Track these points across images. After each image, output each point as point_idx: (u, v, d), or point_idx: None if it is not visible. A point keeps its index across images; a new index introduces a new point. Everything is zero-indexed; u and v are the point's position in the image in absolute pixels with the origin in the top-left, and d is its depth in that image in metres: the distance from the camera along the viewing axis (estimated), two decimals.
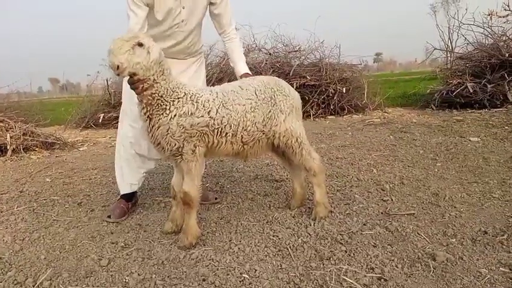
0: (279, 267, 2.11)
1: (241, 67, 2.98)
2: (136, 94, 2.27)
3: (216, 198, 3.23)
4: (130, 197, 3.09)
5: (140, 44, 2.15)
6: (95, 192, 3.72)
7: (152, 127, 2.30)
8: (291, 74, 8.08)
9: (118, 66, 2.08)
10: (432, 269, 2.00)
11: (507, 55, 7.29)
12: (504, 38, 7.87)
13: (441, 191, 3.14)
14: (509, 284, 1.84)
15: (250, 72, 2.98)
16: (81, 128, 8.75)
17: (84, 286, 2.01)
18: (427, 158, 4.23)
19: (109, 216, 2.92)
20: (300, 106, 2.75)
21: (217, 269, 2.11)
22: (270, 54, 9.02)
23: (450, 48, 9.65)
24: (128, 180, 3.06)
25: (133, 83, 2.22)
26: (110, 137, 7.40)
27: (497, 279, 1.88)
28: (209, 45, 8.90)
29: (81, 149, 6.36)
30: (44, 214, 3.15)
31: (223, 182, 3.79)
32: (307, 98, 7.95)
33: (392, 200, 3.01)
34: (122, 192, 3.08)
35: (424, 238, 2.36)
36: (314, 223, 2.64)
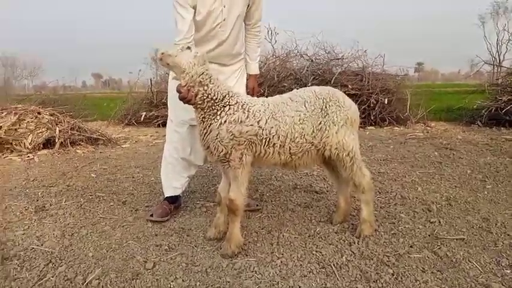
0: (324, 285, 2.07)
1: (253, 69, 3.25)
2: (191, 104, 2.34)
3: (257, 205, 3.23)
4: (174, 200, 3.14)
5: (188, 47, 2.37)
6: (138, 191, 3.81)
7: (204, 129, 2.38)
8: (332, 82, 7.98)
9: (163, 53, 2.33)
10: None
11: None
12: None
13: (492, 216, 2.99)
14: None
15: (258, 73, 3.30)
16: (124, 125, 9.01)
17: None
18: (476, 179, 4.04)
19: (151, 215, 2.98)
20: (357, 118, 2.65)
21: (261, 282, 2.10)
22: (311, 60, 8.96)
23: (498, 61, 9.21)
24: (172, 183, 3.12)
25: (181, 92, 2.30)
26: (151, 136, 7.59)
27: None
28: None
29: (123, 146, 6.55)
30: (90, 210, 3.25)
31: (263, 190, 3.78)
32: None
33: (440, 222, 2.89)
34: (165, 195, 3.14)
35: (476, 267, 2.25)
36: (358, 241, 2.58)
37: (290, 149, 2.46)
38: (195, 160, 3.13)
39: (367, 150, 5.63)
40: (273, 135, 2.38)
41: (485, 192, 3.59)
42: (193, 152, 3.09)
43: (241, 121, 2.32)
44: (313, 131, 2.48)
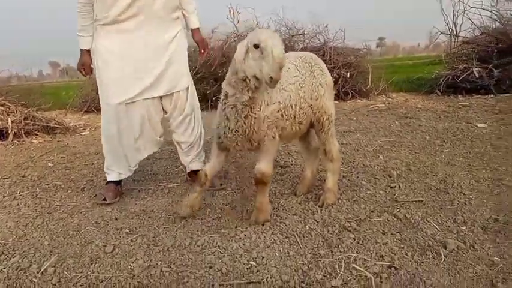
0: (287, 254, 2.08)
1: (193, 22, 3.03)
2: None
3: (221, 184, 3.19)
4: (118, 181, 3.04)
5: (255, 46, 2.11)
6: (97, 177, 3.68)
7: (247, 116, 2.23)
8: None
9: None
10: (443, 257, 1.96)
11: None
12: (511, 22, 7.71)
13: (449, 178, 3.09)
14: None
15: (199, 26, 3.05)
16: (82, 113, 8.66)
17: (89, 273, 1.98)
18: (434, 144, 4.17)
19: (104, 199, 2.89)
20: (332, 85, 2.74)
21: (224, 256, 2.08)
22: None
23: (455, 32, 9.48)
24: (115, 169, 3.00)
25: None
26: None
27: (511, 269, 1.84)
28: (210, 28, 8.81)
29: (82, 133, 6.30)
30: (47, 199, 3.11)
31: (228, 168, 3.74)
32: None
33: (400, 186, 2.97)
34: (109, 179, 3.02)
35: (433, 226, 2.32)
36: (321, 210, 2.61)
37: (299, 117, 2.47)
38: (142, 145, 2.99)
39: None
40: (288, 107, 2.38)
41: (443, 156, 3.71)
42: (141, 137, 2.94)
43: (267, 102, 2.27)
44: (310, 94, 2.51)
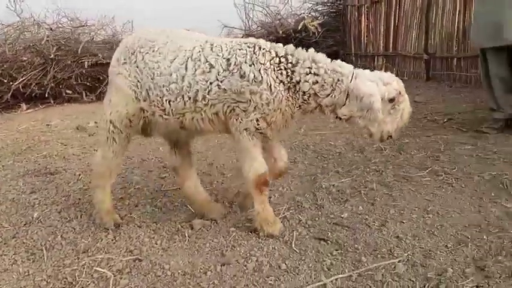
0: (26, 273, 1.88)
1: None
2: None
3: None
4: None
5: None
6: None
7: None
8: (79, 52, 7.35)
9: None
10: (187, 238, 2.11)
11: (281, 32, 8.31)
12: (279, 17, 8.94)
13: (216, 160, 3.36)
14: (248, 236, 2.08)
15: None
16: None
17: None
18: None
19: None
20: None
21: None
22: (51, 29, 7.96)
23: (248, 26, 10.38)
24: None
25: None
26: None
27: (241, 236, 2.10)
28: None
29: None
30: None
31: None
32: (101, 78, 7.38)
33: (169, 175, 3.06)
34: None
35: (189, 209, 2.46)
36: (81, 215, 2.46)
37: None
38: None
39: None
40: None
41: (216, 141, 4.01)
42: None
43: None
44: None
